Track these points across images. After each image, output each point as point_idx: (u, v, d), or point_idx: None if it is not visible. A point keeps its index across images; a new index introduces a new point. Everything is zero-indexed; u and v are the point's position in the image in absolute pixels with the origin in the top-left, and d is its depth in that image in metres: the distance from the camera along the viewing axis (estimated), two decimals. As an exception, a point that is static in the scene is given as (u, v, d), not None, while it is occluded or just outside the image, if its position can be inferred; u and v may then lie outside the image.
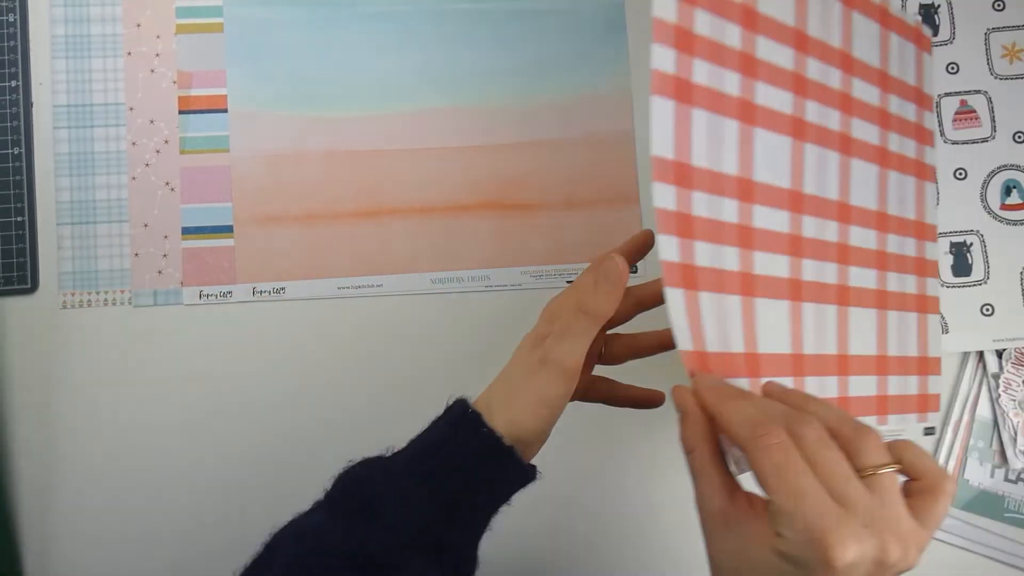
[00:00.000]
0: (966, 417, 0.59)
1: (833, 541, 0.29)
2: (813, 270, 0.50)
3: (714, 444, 0.35)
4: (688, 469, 0.36)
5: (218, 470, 0.58)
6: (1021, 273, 0.59)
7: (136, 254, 0.59)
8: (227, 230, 0.59)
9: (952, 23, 0.61)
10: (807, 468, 0.31)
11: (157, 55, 0.60)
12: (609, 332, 0.47)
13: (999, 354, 0.59)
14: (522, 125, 0.60)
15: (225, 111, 0.60)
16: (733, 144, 0.44)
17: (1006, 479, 0.58)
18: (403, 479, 0.39)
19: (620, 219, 0.61)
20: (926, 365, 0.55)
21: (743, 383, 0.40)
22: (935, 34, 0.61)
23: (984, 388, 0.59)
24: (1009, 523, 0.58)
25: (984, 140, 0.60)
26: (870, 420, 0.47)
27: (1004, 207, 0.60)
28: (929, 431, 0.59)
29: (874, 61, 0.51)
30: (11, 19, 0.59)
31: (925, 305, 0.56)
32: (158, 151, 0.59)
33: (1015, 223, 0.59)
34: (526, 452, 0.40)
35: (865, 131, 0.51)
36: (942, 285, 0.59)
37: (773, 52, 0.44)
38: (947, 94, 0.61)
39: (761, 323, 0.43)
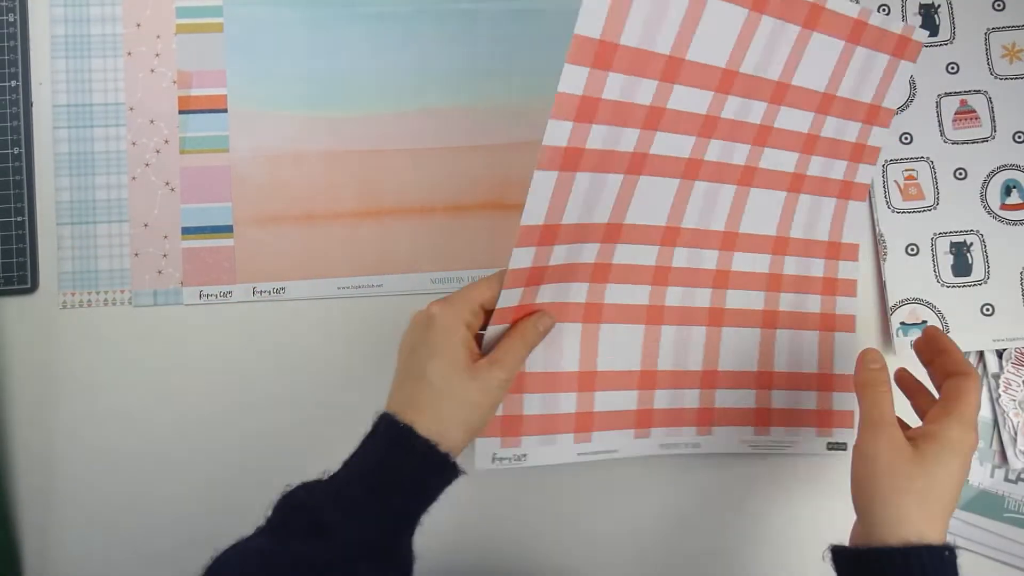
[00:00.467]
0: (966, 417, 0.59)
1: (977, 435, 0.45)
2: (679, 296, 0.54)
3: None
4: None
5: (218, 470, 0.58)
6: (1021, 273, 0.59)
7: (136, 254, 0.59)
8: (227, 230, 0.59)
9: (952, 23, 0.61)
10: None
11: (157, 55, 0.60)
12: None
13: (999, 354, 0.59)
14: (522, 125, 0.60)
15: (225, 111, 0.60)
16: (611, 197, 0.47)
17: (1006, 479, 0.58)
18: (350, 497, 0.41)
19: (620, 219, 0.61)
20: (829, 382, 0.58)
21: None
22: (935, 34, 0.61)
23: (984, 388, 0.59)
24: (1009, 523, 0.58)
25: (984, 140, 0.60)
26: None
27: (1004, 207, 0.60)
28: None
29: (818, 86, 0.52)
30: (11, 19, 0.59)
31: (833, 324, 0.58)
32: (158, 151, 0.59)
33: (1015, 223, 0.59)
34: (454, 450, 0.43)
35: (778, 159, 0.53)
36: (943, 285, 0.59)
37: (686, 99, 0.46)
38: (947, 94, 0.61)
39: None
